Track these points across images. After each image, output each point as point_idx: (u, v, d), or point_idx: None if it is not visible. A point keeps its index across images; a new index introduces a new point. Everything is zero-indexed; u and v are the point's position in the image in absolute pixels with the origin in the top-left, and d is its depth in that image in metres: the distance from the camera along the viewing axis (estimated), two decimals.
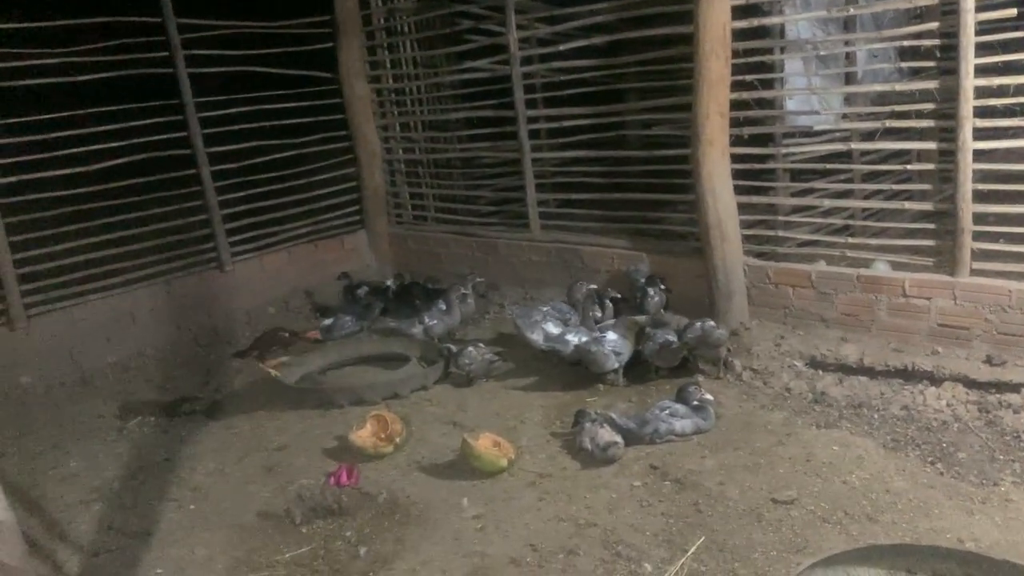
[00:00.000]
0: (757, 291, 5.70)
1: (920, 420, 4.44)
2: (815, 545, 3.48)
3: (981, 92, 4.67)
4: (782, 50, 5.72)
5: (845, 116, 5.82)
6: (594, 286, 6.09)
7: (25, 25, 5.91)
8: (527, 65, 6.86)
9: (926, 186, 5.76)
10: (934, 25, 4.94)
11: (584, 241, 6.73)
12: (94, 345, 6.29)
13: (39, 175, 6.08)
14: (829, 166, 5.67)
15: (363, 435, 4.61)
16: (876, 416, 4.55)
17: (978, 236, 4.88)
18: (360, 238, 8.12)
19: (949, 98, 4.82)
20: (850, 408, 4.66)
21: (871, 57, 6.00)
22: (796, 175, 6.18)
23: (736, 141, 5.58)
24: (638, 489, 4.06)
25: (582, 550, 3.61)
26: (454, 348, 5.59)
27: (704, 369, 5.25)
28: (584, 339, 5.29)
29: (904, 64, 5.48)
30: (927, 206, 5.27)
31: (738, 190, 5.63)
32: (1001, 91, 4.67)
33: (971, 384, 4.60)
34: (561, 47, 6.47)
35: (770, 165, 5.83)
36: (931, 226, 5.23)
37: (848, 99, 6.07)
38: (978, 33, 4.59)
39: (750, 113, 5.60)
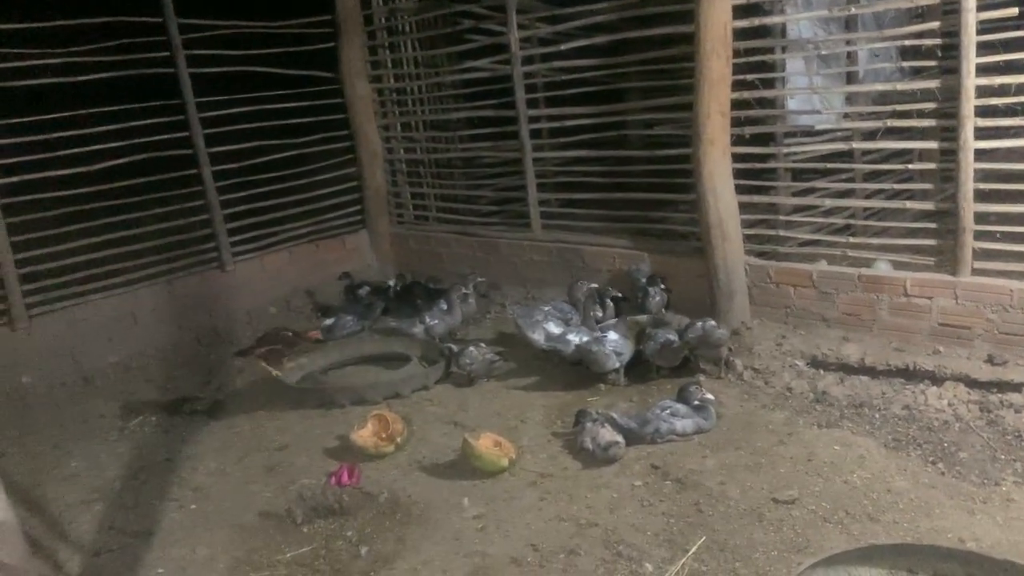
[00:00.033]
0: (758, 291, 5.69)
1: (921, 420, 4.44)
2: (816, 545, 3.48)
3: (982, 91, 4.66)
4: (783, 49, 5.71)
5: (846, 115, 5.82)
6: (595, 285, 6.08)
7: (26, 25, 5.90)
8: (528, 65, 6.86)
9: (927, 185, 5.76)
10: (935, 24, 4.93)
11: (585, 241, 6.73)
12: (95, 345, 6.29)
13: (40, 175, 6.08)
14: (830, 165, 5.67)
15: (364, 435, 4.61)
16: (877, 416, 4.54)
17: (979, 235, 4.87)
18: (361, 238, 8.12)
19: (950, 97, 4.82)
20: (851, 408, 4.65)
21: (872, 56, 6.00)
22: (797, 174, 6.17)
23: (737, 140, 5.58)
24: (639, 489, 4.06)
25: (583, 550, 3.61)
26: (455, 348, 5.59)
27: (705, 369, 5.25)
28: (585, 339, 5.29)
29: (905, 63, 5.47)
30: (928, 205, 5.27)
31: (739, 189, 5.63)
32: (1002, 90, 4.66)
33: (972, 384, 4.60)
34: (562, 47, 6.46)
35: (771, 164, 5.83)
36: (932, 225, 5.23)
37: (849, 98, 6.06)
38: (979, 32, 4.58)
39: (751, 112, 5.60)
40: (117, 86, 6.34)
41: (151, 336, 6.59)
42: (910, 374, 4.79)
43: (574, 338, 5.35)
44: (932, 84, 5.01)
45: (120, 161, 6.42)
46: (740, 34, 5.39)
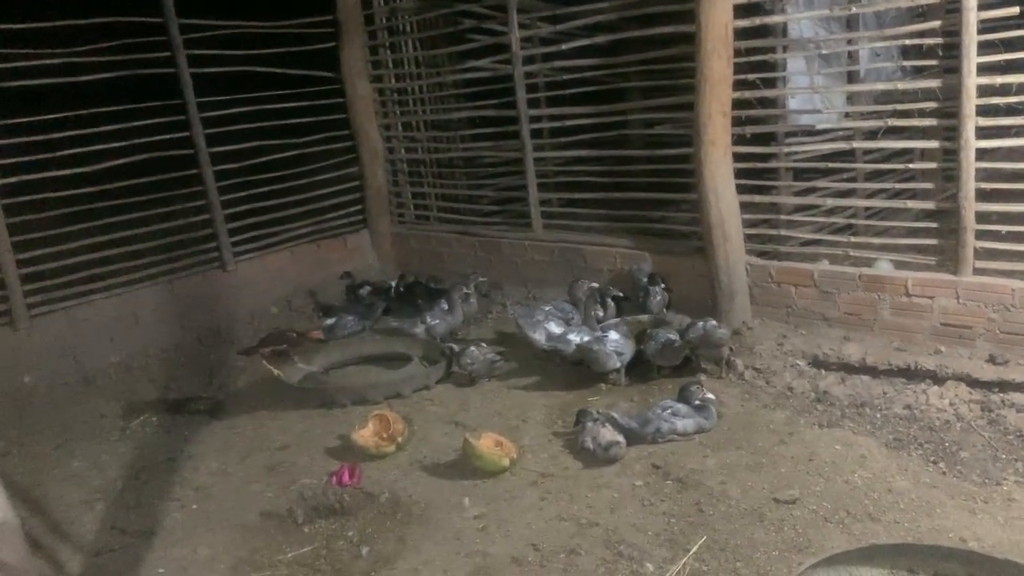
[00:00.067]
0: (759, 290, 5.69)
1: (923, 419, 4.44)
2: (817, 544, 3.48)
3: (983, 90, 4.66)
4: (784, 49, 5.71)
5: (848, 115, 5.81)
6: (595, 284, 6.08)
7: (27, 26, 5.91)
8: (529, 64, 6.85)
9: (929, 185, 5.75)
10: (936, 23, 4.92)
11: (586, 240, 6.73)
12: (97, 345, 6.30)
13: (41, 175, 6.09)
14: (832, 165, 5.66)
15: (365, 435, 4.62)
16: (879, 415, 4.54)
17: (981, 235, 4.86)
18: (362, 237, 8.12)
19: (951, 96, 4.81)
20: (852, 407, 4.65)
21: (874, 55, 6.00)
22: (799, 174, 6.17)
23: (738, 140, 5.57)
24: (640, 488, 4.06)
25: (584, 550, 3.61)
26: (456, 348, 5.59)
27: (706, 368, 5.25)
28: (586, 338, 5.29)
29: (906, 62, 5.46)
30: (930, 205, 5.27)
31: (740, 189, 5.63)
32: (1003, 89, 4.65)
33: (974, 383, 4.60)
34: (563, 46, 6.46)
35: (772, 164, 5.82)
36: (934, 225, 5.23)
37: (851, 98, 6.05)
38: (980, 31, 4.58)
39: (752, 112, 5.59)
40: (118, 86, 6.34)
41: (152, 336, 6.59)
42: (911, 374, 4.79)
43: (575, 338, 5.35)
44: (933, 83, 5.01)
45: (121, 161, 6.42)
46: (741, 33, 5.38)
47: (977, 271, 4.89)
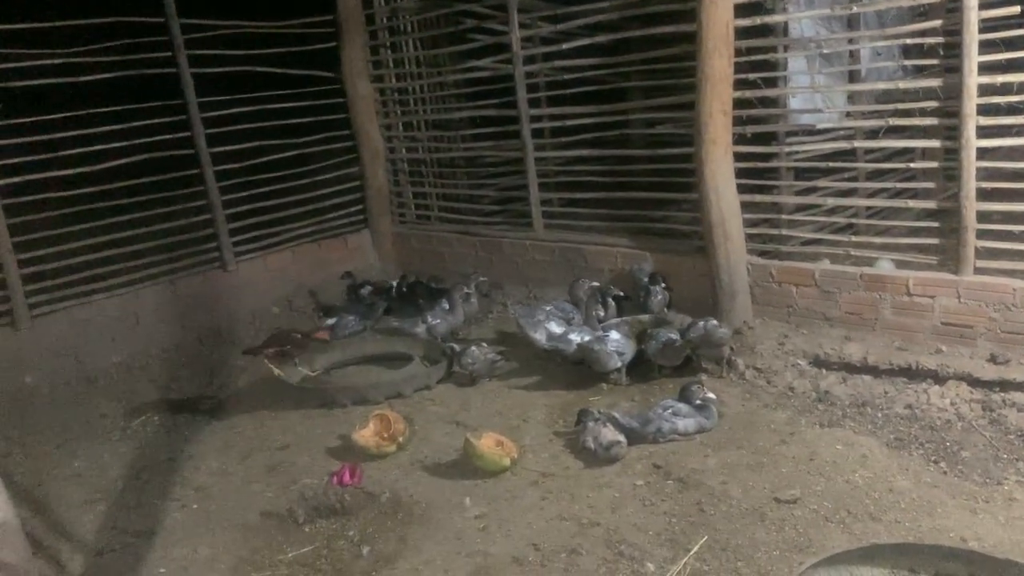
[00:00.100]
0: (760, 290, 5.69)
1: (924, 419, 4.43)
2: (818, 544, 3.47)
3: (984, 90, 4.65)
4: (785, 48, 5.70)
5: (849, 114, 5.80)
6: (596, 284, 6.08)
7: (28, 26, 5.91)
8: (530, 64, 6.85)
9: (930, 184, 5.75)
10: (937, 23, 4.91)
11: (587, 240, 6.73)
12: (98, 345, 6.30)
13: (43, 175, 6.10)
14: (833, 164, 5.65)
15: (366, 434, 4.62)
16: (880, 415, 4.54)
17: (982, 234, 4.86)
18: (363, 237, 8.12)
19: (953, 95, 4.81)
20: (854, 407, 4.65)
21: (875, 55, 5.99)
22: (799, 173, 6.16)
23: (739, 139, 5.57)
24: (641, 488, 4.06)
25: (585, 549, 3.61)
26: (457, 347, 5.59)
27: (707, 368, 5.25)
28: (587, 338, 5.29)
29: (908, 62, 5.45)
30: (931, 204, 5.26)
31: (741, 189, 5.62)
32: (1004, 88, 4.65)
33: (975, 383, 4.59)
34: (564, 46, 6.45)
35: (773, 164, 5.82)
36: (935, 224, 5.22)
37: (852, 97, 6.04)
38: (981, 30, 4.57)
39: (753, 111, 5.59)
40: (119, 86, 6.35)
41: (153, 336, 6.59)
42: (912, 373, 4.79)
43: (576, 337, 5.35)
44: (934, 82, 5.00)
45: (122, 161, 6.43)
46: (742, 33, 5.38)
47: (978, 270, 4.89)
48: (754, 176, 5.77)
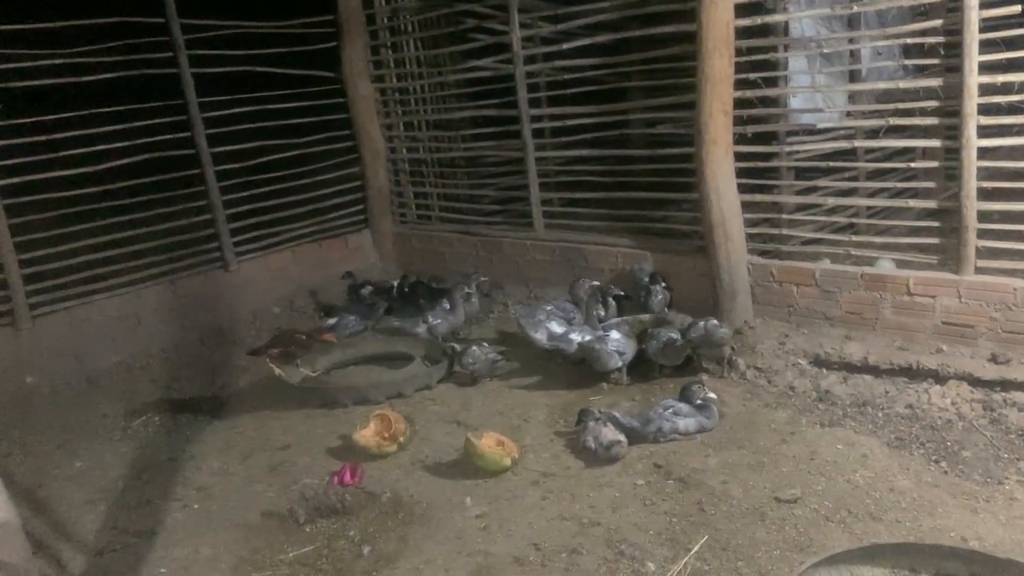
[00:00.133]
0: (761, 289, 5.68)
1: (924, 419, 4.43)
2: (818, 544, 3.47)
3: (985, 89, 4.65)
4: (786, 48, 5.70)
5: (849, 114, 5.80)
6: (596, 283, 6.08)
7: (29, 26, 5.92)
8: (531, 64, 6.85)
9: (930, 184, 5.75)
10: (938, 22, 4.91)
11: (588, 240, 6.73)
12: (99, 345, 6.30)
13: (44, 175, 6.10)
14: (833, 164, 5.65)
15: (367, 434, 4.62)
16: (880, 415, 4.54)
17: (983, 234, 4.86)
18: (364, 237, 8.12)
19: (953, 95, 4.80)
20: (854, 407, 4.65)
21: (875, 54, 5.98)
22: (800, 173, 6.16)
23: (740, 139, 5.57)
24: (641, 488, 4.06)
25: (585, 549, 3.61)
26: (458, 347, 5.59)
27: (708, 368, 5.25)
28: (588, 338, 5.29)
29: (908, 61, 5.45)
30: (931, 204, 5.26)
31: (742, 188, 5.62)
32: (1005, 88, 4.64)
33: (976, 382, 4.59)
34: (564, 46, 6.45)
35: (774, 163, 5.81)
36: (936, 224, 5.22)
37: (852, 97, 6.04)
38: (982, 30, 4.57)
39: (754, 111, 5.58)
40: (120, 86, 6.35)
41: (154, 336, 6.60)
42: (913, 373, 4.78)
43: (577, 337, 5.35)
44: (935, 82, 4.99)
45: (123, 161, 6.44)
46: (742, 32, 5.38)
47: (979, 270, 4.88)
48: (755, 176, 5.77)
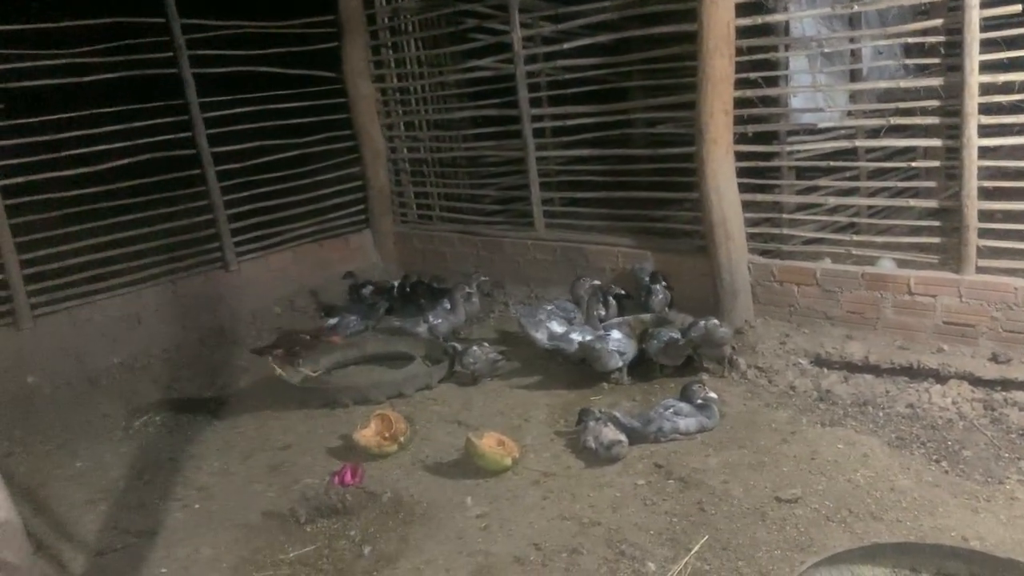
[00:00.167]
0: (762, 289, 5.68)
1: (925, 418, 4.43)
2: (819, 543, 3.47)
3: (986, 88, 4.65)
4: (787, 47, 5.70)
5: (850, 113, 5.79)
6: (597, 283, 6.08)
7: (30, 26, 5.92)
8: (531, 64, 6.84)
9: (931, 183, 5.75)
10: (939, 21, 4.90)
11: (589, 240, 6.73)
12: (100, 345, 6.31)
13: (45, 176, 6.10)
14: (834, 163, 5.65)
15: (367, 434, 4.62)
16: (881, 414, 4.54)
17: (984, 233, 4.85)
18: (365, 237, 8.12)
19: (954, 94, 4.80)
20: (855, 406, 4.65)
21: (876, 54, 5.97)
22: (801, 173, 6.15)
23: (740, 139, 5.56)
24: (642, 488, 4.06)
25: (586, 549, 3.61)
26: (459, 347, 5.59)
27: (708, 367, 5.25)
28: (588, 337, 5.29)
29: (909, 60, 5.44)
30: (932, 203, 5.25)
31: (742, 188, 5.62)
32: (1006, 87, 4.64)
33: (977, 382, 4.58)
34: (565, 45, 6.45)
35: (775, 163, 5.81)
36: (937, 223, 5.21)
37: (853, 96, 6.04)
38: (983, 29, 4.57)
39: (754, 111, 5.58)
40: (120, 87, 6.36)
41: (155, 336, 6.60)
42: (914, 372, 4.78)
43: (577, 337, 5.34)
44: (936, 81, 4.98)
45: (124, 161, 6.44)
46: (743, 32, 5.37)
47: (980, 269, 4.88)
48: (755, 175, 5.77)
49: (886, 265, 5.33)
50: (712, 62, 5.28)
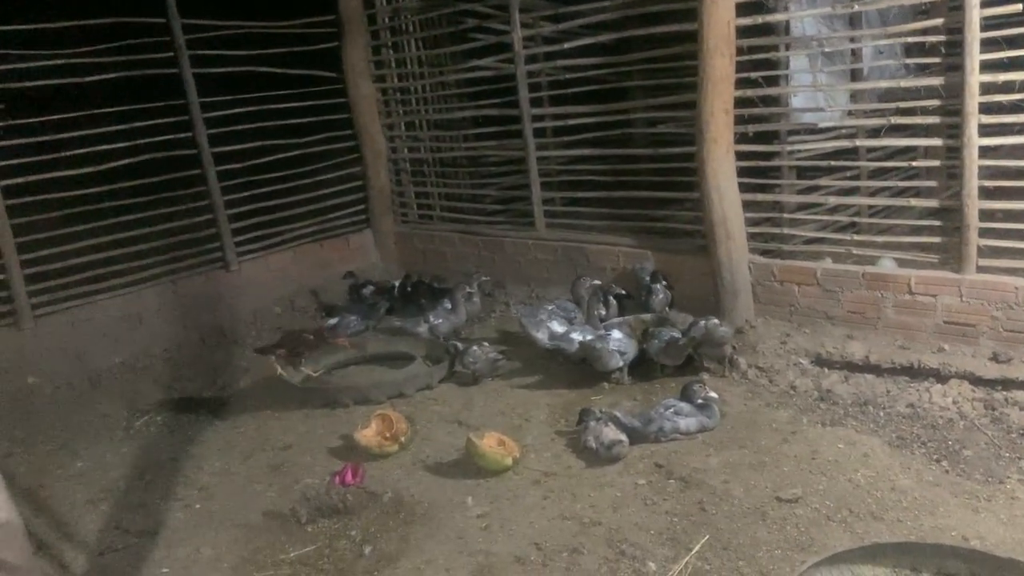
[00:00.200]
0: (762, 289, 5.68)
1: (926, 418, 4.43)
2: (820, 543, 3.47)
3: (986, 88, 4.65)
4: (787, 47, 5.69)
5: (850, 113, 5.79)
6: (598, 283, 6.08)
7: (30, 27, 5.92)
8: (532, 63, 6.84)
9: (932, 183, 5.74)
10: (939, 21, 4.90)
11: (589, 239, 6.73)
12: (100, 345, 6.31)
13: (46, 176, 6.11)
14: (835, 163, 5.65)
15: (368, 434, 4.63)
16: (882, 414, 4.54)
17: (984, 232, 4.85)
18: (366, 237, 8.13)
19: (955, 94, 4.80)
20: (856, 406, 4.65)
21: (877, 53, 5.97)
22: (801, 172, 6.15)
23: (741, 138, 5.56)
24: (642, 487, 4.06)
25: (586, 549, 3.61)
26: (460, 347, 5.59)
27: (709, 367, 5.25)
28: (589, 337, 5.29)
29: (909, 60, 5.44)
30: (933, 203, 5.25)
31: (743, 187, 5.61)
32: (1007, 87, 4.64)
33: (977, 381, 4.58)
34: (566, 45, 6.45)
35: (775, 162, 5.81)
36: (937, 223, 5.21)
37: (854, 96, 6.04)
38: (983, 28, 4.56)
39: (755, 110, 5.58)
40: (121, 87, 6.36)
41: (156, 336, 6.60)
42: (915, 372, 4.78)
43: (578, 336, 5.34)
44: (936, 81, 4.98)
45: (125, 162, 6.45)
46: (744, 32, 5.37)
47: (980, 269, 4.87)
48: (756, 175, 5.76)
49: (887, 265, 5.33)
50: (712, 62, 5.28)
